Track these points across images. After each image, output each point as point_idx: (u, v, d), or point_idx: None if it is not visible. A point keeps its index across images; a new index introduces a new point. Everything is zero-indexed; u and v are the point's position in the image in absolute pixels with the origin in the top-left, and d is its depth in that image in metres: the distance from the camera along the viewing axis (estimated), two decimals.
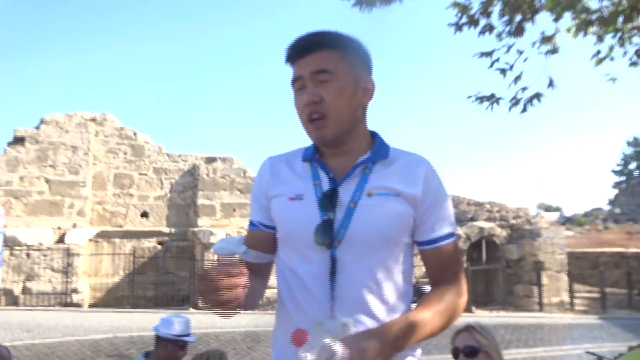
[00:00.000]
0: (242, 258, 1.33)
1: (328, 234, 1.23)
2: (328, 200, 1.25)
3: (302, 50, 1.27)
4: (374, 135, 1.37)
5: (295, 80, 1.29)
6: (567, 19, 4.37)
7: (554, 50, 4.59)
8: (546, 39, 4.56)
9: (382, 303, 1.24)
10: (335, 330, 1.13)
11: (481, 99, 4.49)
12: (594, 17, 4.12)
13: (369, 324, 1.21)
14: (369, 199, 1.25)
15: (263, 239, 1.38)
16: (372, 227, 1.23)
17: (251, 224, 1.41)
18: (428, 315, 1.20)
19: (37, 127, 14.96)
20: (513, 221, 16.18)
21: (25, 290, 12.60)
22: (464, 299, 1.30)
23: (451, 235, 1.32)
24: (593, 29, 4.45)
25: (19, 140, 14.82)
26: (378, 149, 1.32)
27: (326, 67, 1.24)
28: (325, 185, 1.28)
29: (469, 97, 4.51)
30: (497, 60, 4.45)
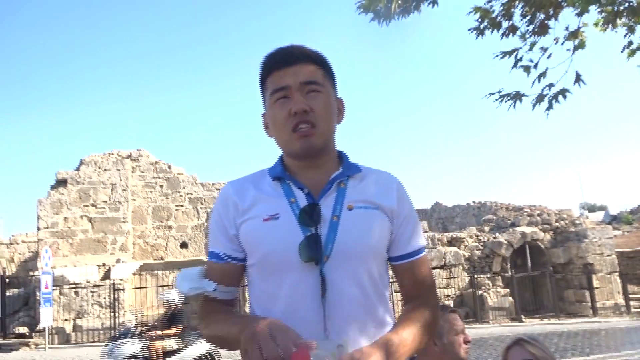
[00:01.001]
0: (209, 296, 1.24)
1: (315, 249, 1.16)
2: (308, 216, 1.19)
3: (290, 59, 1.23)
4: (340, 154, 1.35)
5: (278, 90, 1.23)
6: (593, 13, 4.28)
7: (580, 45, 4.48)
8: (572, 35, 4.46)
9: (373, 319, 1.20)
10: (330, 352, 1.02)
11: (504, 97, 4.41)
12: (622, 8, 4.01)
13: (363, 341, 1.14)
14: (350, 212, 1.21)
15: (231, 273, 1.27)
16: (358, 240, 1.20)
17: (214, 255, 1.28)
18: (415, 332, 1.16)
19: (77, 169, 15.53)
20: (556, 224, 15.70)
21: (75, 328, 12.92)
22: (437, 312, 1.28)
23: (423, 248, 1.31)
24: (622, 20, 4.34)
25: (61, 183, 15.40)
26: (349, 165, 1.30)
27: (317, 79, 1.23)
28: (302, 202, 1.22)
29: (492, 93, 4.43)
30: (521, 59, 4.37)
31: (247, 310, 11.78)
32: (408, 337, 1.14)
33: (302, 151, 1.22)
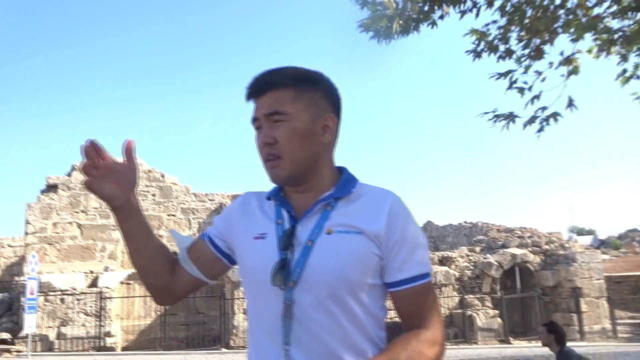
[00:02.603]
0: (179, 255, 1.36)
1: (284, 274, 1.16)
2: (287, 239, 1.20)
3: (256, 90, 1.26)
4: (341, 170, 1.32)
5: (253, 121, 1.27)
6: (588, 40, 4.38)
7: (574, 71, 4.58)
8: (566, 61, 4.56)
9: (347, 348, 1.15)
10: None
11: (497, 117, 4.48)
12: (616, 36, 4.11)
13: None
14: (328, 237, 1.18)
15: (202, 252, 1.35)
16: (329, 267, 1.15)
17: (202, 233, 1.38)
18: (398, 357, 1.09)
19: (69, 174, 15.44)
20: (546, 246, 15.78)
21: (60, 336, 12.73)
22: (436, 349, 1.15)
23: (423, 276, 1.20)
24: (615, 48, 4.44)
25: (51, 188, 15.29)
26: (343, 185, 1.26)
27: (278, 109, 1.21)
28: (287, 224, 1.23)
29: (485, 113, 4.50)
30: (515, 81, 4.46)
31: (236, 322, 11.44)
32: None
33: (272, 181, 1.26)
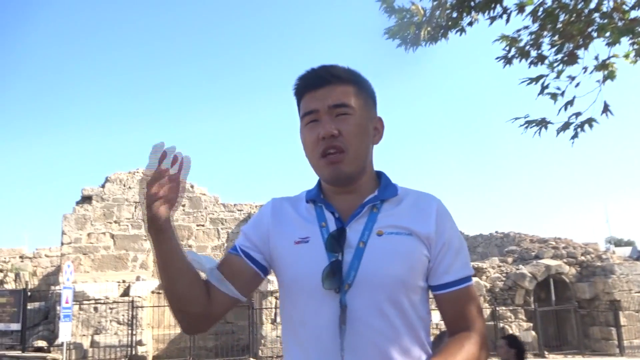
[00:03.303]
0: (208, 276, 1.22)
1: (337, 277, 1.12)
2: (335, 242, 1.16)
3: (318, 81, 1.21)
4: (379, 174, 1.30)
5: (307, 114, 1.21)
6: (624, 44, 4.24)
7: (610, 76, 4.44)
8: (601, 66, 4.43)
9: (402, 354, 1.12)
10: None
11: (529, 123, 4.37)
12: None
13: None
14: (379, 238, 1.16)
15: (236, 268, 1.24)
16: (385, 268, 1.13)
17: (233, 248, 1.29)
18: None
19: (102, 186, 15.82)
20: (582, 258, 15.30)
21: (93, 344, 12.97)
22: (485, 352, 1.15)
23: (468, 279, 1.20)
24: None
25: (86, 199, 15.69)
26: (385, 187, 1.24)
27: (345, 101, 1.18)
28: (332, 227, 1.19)
29: (517, 118, 4.39)
30: (547, 86, 4.35)
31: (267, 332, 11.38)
32: None
33: (331, 179, 1.21)
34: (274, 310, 13.27)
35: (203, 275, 1.23)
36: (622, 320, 14.04)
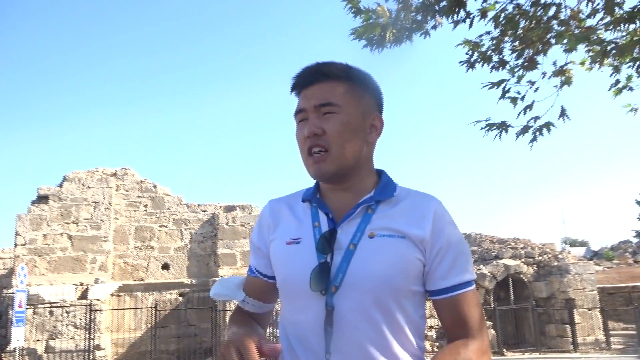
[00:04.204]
0: (240, 305, 1.29)
1: (324, 279, 1.11)
2: (326, 243, 1.15)
3: (307, 80, 1.21)
4: (380, 173, 1.28)
5: (298, 112, 1.22)
6: (581, 51, 4.39)
7: (567, 82, 4.59)
8: (559, 72, 4.57)
9: (388, 357, 1.10)
10: None
11: (490, 126, 4.47)
12: (608, 48, 4.13)
13: None
14: (371, 240, 1.14)
15: (260, 288, 1.30)
16: (373, 271, 1.11)
17: (250, 269, 1.33)
18: None
19: (60, 185, 15.29)
20: (539, 258, 15.78)
21: (48, 349, 12.51)
22: (486, 358, 1.12)
23: (468, 283, 1.16)
24: (608, 60, 4.46)
25: (42, 199, 15.12)
26: (383, 187, 1.22)
27: (331, 100, 1.17)
28: (325, 227, 1.18)
29: (478, 121, 4.48)
30: (508, 90, 4.46)
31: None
32: None
33: (315, 177, 1.20)
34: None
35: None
36: (577, 318, 14.55)
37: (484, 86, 4.49)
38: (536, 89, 4.51)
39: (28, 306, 12.00)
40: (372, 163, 1.26)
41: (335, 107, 1.17)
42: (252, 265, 1.32)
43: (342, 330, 1.10)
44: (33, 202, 15.21)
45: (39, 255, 14.50)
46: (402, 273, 1.12)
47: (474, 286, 1.18)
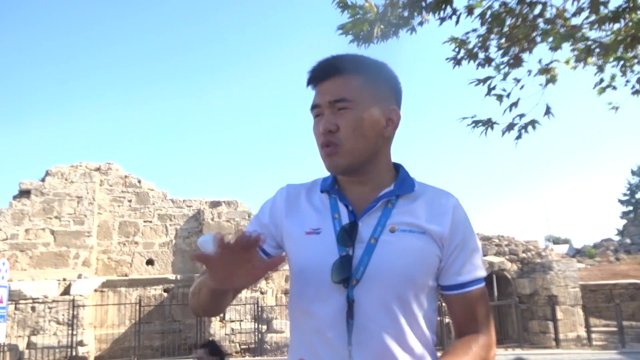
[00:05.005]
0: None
1: (346, 272, 1.12)
2: (347, 235, 1.15)
3: (321, 75, 1.21)
4: (397, 167, 1.28)
5: (314, 107, 1.22)
6: (566, 50, 4.42)
7: (552, 80, 4.62)
8: (544, 70, 4.60)
9: (406, 352, 1.12)
10: None
11: (476, 123, 4.49)
12: (593, 46, 4.16)
13: None
14: (392, 235, 1.15)
15: None
16: (394, 266, 1.13)
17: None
18: None
19: (43, 180, 15.08)
20: (523, 255, 15.95)
21: (30, 345, 12.35)
22: (493, 353, 1.16)
23: (480, 280, 1.20)
24: (592, 59, 4.50)
25: (24, 193, 14.90)
26: (402, 182, 1.22)
27: (344, 96, 1.16)
28: (345, 219, 1.19)
29: (464, 118, 4.50)
30: (494, 87, 4.48)
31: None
32: None
33: (329, 170, 1.21)
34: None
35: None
36: (559, 315, 14.75)
37: (470, 82, 4.51)
38: (522, 87, 4.54)
39: (9, 302, 11.83)
40: (390, 157, 1.26)
41: (350, 102, 1.16)
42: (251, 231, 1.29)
43: (362, 323, 1.11)
44: (15, 197, 14.98)
45: (21, 251, 14.30)
46: (422, 268, 1.15)
47: (484, 283, 1.21)
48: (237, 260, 1.00)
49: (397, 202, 1.20)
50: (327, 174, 1.28)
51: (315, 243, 1.18)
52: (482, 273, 1.21)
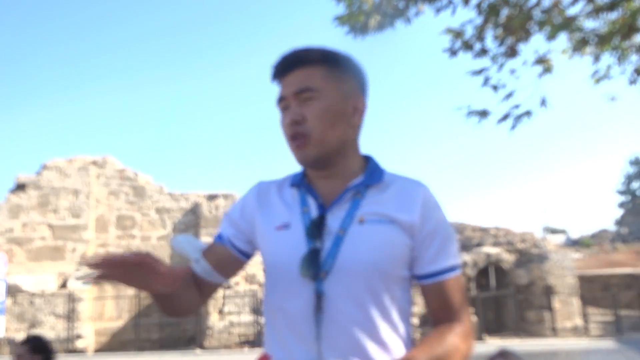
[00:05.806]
0: (191, 266, 1.25)
1: (314, 265, 1.11)
2: (316, 228, 1.14)
3: (285, 67, 1.20)
4: (367, 158, 1.27)
5: (280, 100, 1.21)
6: (563, 40, 4.40)
7: (547, 70, 4.60)
8: (540, 61, 4.58)
9: (378, 344, 1.10)
10: None
11: (471, 113, 4.48)
12: (589, 37, 4.14)
13: None
14: (360, 226, 1.14)
15: (223, 256, 1.26)
16: (363, 257, 1.11)
17: (219, 237, 1.29)
18: (434, 355, 1.05)
19: (39, 173, 15.03)
20: (520, 245, 16.01)
21: None
22: (469, 343, 1.14)
23: (454, 268, 1.17)
24: (589, 48, 4.48)
25: (20, 187, 14.86)
26: (372, 172, 1.21)
27: (309, 85, 1.16)
28: (314, 212, 1.18)
29: (460, 108, 4.50)
30: (490, 78, 4.47)
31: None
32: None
33: (299, 162, 1.20)
34: (221, 300, 13.12)
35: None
36: (556, 304, 14.83)
37: (467, 73, 4.49)
38: (518, 77, 4.53)
39: (7, 296, 11.83)
40: (358, 147, 1.25)
41: (314, 92, 1.16)
42: (225, 234, 1.28)
43: (332, 316, 1.10)
44: (11, 191, 14.94)
45: (18, 244, 14.28)
46: (391, 258, 1.13)
47: (459, 270, 1.19)
48: (134, 272, 1.02)
49: (367, 192, 1.19)
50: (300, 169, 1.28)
51: (285, 238, 1.17)
52: (455, 261, 1.18)
